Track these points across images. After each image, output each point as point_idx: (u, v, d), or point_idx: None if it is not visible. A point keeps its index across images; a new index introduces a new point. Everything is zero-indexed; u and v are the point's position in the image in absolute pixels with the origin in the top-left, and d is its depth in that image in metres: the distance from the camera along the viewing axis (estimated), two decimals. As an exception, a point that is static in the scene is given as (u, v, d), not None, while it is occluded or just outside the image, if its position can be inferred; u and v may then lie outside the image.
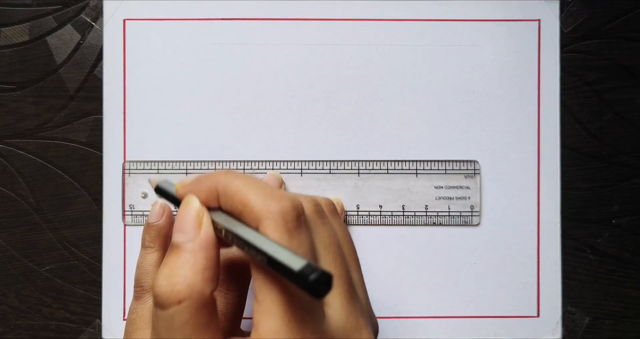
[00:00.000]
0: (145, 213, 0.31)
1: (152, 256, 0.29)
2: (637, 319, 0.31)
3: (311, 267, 0.16)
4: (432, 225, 0.31)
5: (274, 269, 0.17)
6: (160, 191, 0.23)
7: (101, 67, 0.31)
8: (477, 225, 0.31)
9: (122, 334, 0.31)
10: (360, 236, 0.31)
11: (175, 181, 0.22)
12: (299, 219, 0.18)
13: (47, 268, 0.31)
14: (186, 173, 0.31)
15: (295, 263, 0.16)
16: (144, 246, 0.29)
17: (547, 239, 0.31)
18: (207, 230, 0.19)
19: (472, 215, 0.31)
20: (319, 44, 0.31)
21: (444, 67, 0.31)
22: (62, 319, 0.31)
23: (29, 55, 0.31)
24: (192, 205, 0.20)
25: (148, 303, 0.28)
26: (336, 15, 0.31)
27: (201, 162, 0.31)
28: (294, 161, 0.31)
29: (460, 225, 0.31)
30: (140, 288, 0.28)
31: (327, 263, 0.19)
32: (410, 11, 0.31)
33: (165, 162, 0.31)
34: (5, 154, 0.31)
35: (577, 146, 0.31)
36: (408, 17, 0.31)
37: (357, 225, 0.31)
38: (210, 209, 0.20)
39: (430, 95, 0.31)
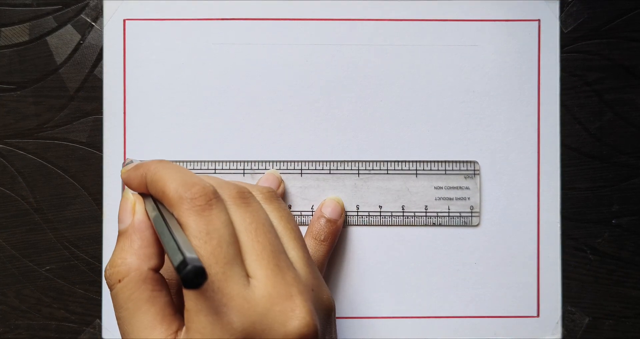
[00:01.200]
0: None
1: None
2: (637, 320, 0.31)
3: (185, 263, 0.17)
4: (432, 225, 0.31)
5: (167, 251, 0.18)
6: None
7: (101, 67, 0.31)
8: (477, 225, 0.31)
9: (122, 334, 0.31)
10: (360, 236, 0.31)
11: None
12: (209, 202, 0.20)
13: (47, 268, 0.31)
14: (186, 173, 0.31)
15: (176, 257, 0.17)
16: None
17: (547, 239, 0.31)
18: (139, 215, 0.21)
19: (471, 216, 0.31)
20: (319, 43, 0.31)
21: (444, 67, 0.31)
22: (62, 319, 0.31)
23: (29, 55, 0.31)
24: (127, 197, 0.22)
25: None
26: (336, 15, 0.31)
27: (201, 161, 0.31)
28: (294, 161, 0.31)
29: (460, 226, 0.31)
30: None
31: (246, 238, 0.20)
32: (410, 11, 0.31)
33: None
34: (5, 154, 0.31)
35: (577, 146, 0.31)
36: (408, 17, 0.31)
37: (357, 225, 0.31)
38: (145, 195, 0.22)
39: (430, 95, 0.31)
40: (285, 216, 0.23)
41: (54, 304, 0.31)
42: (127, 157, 0.31)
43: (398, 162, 0.31)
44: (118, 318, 0.20)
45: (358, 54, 0.31)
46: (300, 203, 0.31)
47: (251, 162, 0.31)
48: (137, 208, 0.22)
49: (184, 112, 0.31)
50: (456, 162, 0.31)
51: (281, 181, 0.30)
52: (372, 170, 0.31)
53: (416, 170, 0.31)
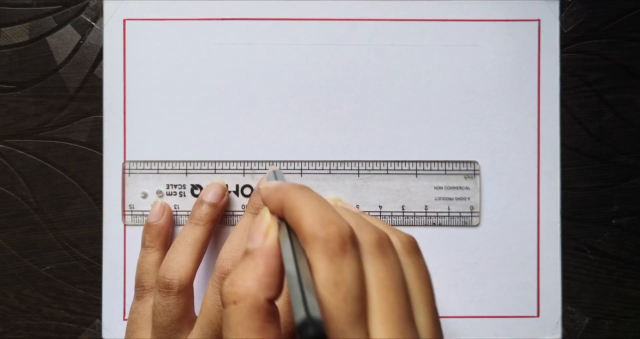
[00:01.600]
0: (145, 213, 0.31)
1: (153, 255, 0.29)
2: (637, 319, 0.31)
3: (307, 324, 0.16)
4: (432, 225, 0.31)
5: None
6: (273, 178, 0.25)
7: (101, 67, 0.31)
8: (477, 225, 0.31)
9: (122, 334, 0.31)
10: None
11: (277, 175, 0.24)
12: (343, 247, 0.18)
13: (47, 268, 0.31)
14: (186, 174, 0.31)
15: (299, 312, 0.16)
16: (144, 246, 0.29)
17: (547, 239, 0.31)
18: (271, 240, 0.20)
19: (471, 216, 0.31)
20: (319, 43, 0.31)
21: (444, 67, 0.31)
22: (62, 319, 0.31)
23: (29, 55, 0.31)
24: (264, 216, 0.21)
25: (149, 302, 0.28)
26: (336, 15, 0.31)
27: (201, 162, 0.31)
28: (294, 161, 0.31)
29: (460, 226, 0.31)
30: (141, 288, 0.28)
31: (376, 296, 0.19)
32: (410, 11, 0.31)
33: (165, 161, 0.31)
34: (5, 154, 0.31)
35: (577, 146, 0.31)
36: (408, 17, 0.31)
37: None
38: (281, 220, 0.21)
39: (430, 95, 0.31)
40: (423, 275, 0.21)
41: (54, 305, 0.31)
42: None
43: (398, 161, 0.31)
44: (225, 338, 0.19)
45: (358, 54, 0.31)
46: None
47: (251, 161, 0.31)
48: (271, 233, 0.20)
49: (184, 112, 0.31)
50: (456, 162, 0.31)
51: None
52: (372, 170, 0.31)
53: (416, 170, 0.31)
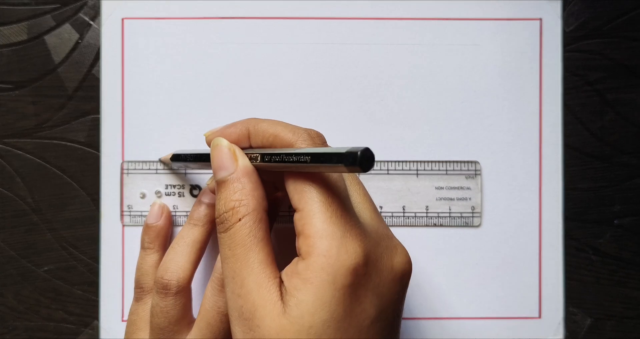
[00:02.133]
0: (144, 213, 0.30)
1: (152, 257, 0.29)
2: (639, 320, 0.31)
3: (353, 149, 0.17)
4: (433, 225, 0.31)
5: (319, 162, 0.19)
6: (178, 157, 0.27)
7: (99, 67, 0.31)
8: (478, 225, 0.31)
9: (121, 335, 0.31)
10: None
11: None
12: (321, 137, 0.23)
13: (46, 268, 0.31)
14: (185, 174, 0.31)
15: (339, 150, 0.18)
16: (143, 247, 0.29)
17: (548, 240, 0.31)
18: (243, 160, 0.22)
19: (473, 216, 0.31)
20: (319, 43, 0.31)
21: (445, 67, 0.31)
22: (60, 320, 0.31)
23: (27, 54, 0.31)
24: (222, 144, 0.23)
25: (148, 304, 0.28)
26: (336, 15, 0.31)
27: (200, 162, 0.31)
28: None
29: (461, 226, 0.31)
30: (140, 289, 0.28)
31: (350, 186, 0.23)
32: (411, 10, 0.31)
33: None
34: (3, 154, 0.31)
35: (578, 146, 0.31)
36: (409, 16, 0.31)
37: None
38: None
39: (431, 95, 0.31)
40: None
41: (53, 305, 0.31)
42: (129, 161, 0.31)
43: (399, 162, 0.31)
44: (229, 257, 0.21)
45: (358, 54, 0.31)
46: None
47: None
48: (239, 154, 0.23)
49: (183, 112, 0.31)
50: (457, 162, 0.31)
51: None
52: (373, 170, 0.31)
53: (417, 170, 0.31)
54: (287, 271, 0.21)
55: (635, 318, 0.31)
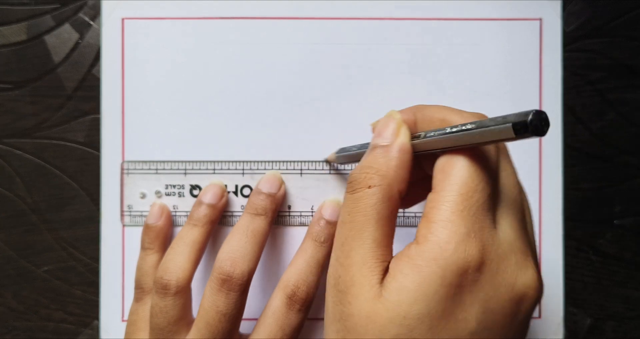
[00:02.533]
0: (144, 213, 0.30)
1: (152, 257, 0.29)
2: (639, 321, 0.31)
3: (523, 114, 0.16)
4: None
5: (484, 127, 0.17)
6: (343, 150, 0.27)
7: (99, 67, 0.31)
8: None
9: (121, 335, 0.31)
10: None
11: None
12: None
13: (45, 268, 0.31)
14: (185, 174, 0.31)
15: (508, 118, 0.16)
16: (143, 247, 0.29)
17: (548, 239, 0.31)
18: (404, 138, 0.21)
19: None
20: (319, 43, 0.31)
21: (445, 67, 0.31)
22: (60, 321, 0.31)
23: (26, 54, 0.31)
24: (394, 117, 0.22)
25: (148, 304, 0.28)
26: (336, 15, 0.31)
27: (200, 162, 0.31)
28: (294, 161, 0.31)
29: None
30: (140, 290, 0.28)
31: (505, 191, 0.21)
32: (411, 10, 0.31)
33: (164, 162, 0.31)
34: (2, 154, 0.31)
35: (579, 146, 0.31)
36: (409, 16, 0.31)
37: None
38: None
39: (431, 95, 0.31)
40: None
41: (52, 306, 0.31)
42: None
43: None
44: (346, 223, 0.20)
45: (358, 54, 0.31)
46: (300, 203, 0.30)
47: (250, 161, 0.30)
48: (403, 131, 0.21)
49: (183, 112, 0.31)
50: None
51: (282, 182, 0.30)
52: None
53: None
54: (397, 254, 0.20)
55: (636, 318, 0.31)
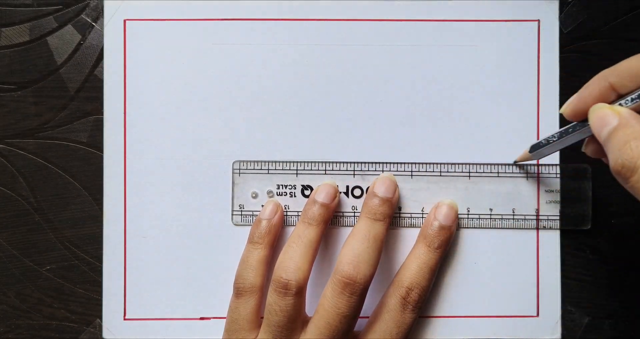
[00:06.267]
0: (255, 213, 0.30)
1: (259, 252, 0.28)
2: (637, 319, 0.31)
3: None
4: (543, 228, 0.31)
5: None
6: (538, 145, 0.28)
7: (102, 67, 0.31)
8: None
9: (122, 334, 0.31)
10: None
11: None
12: None
13: (48, 267, 0.31)
14: (296, 174, 0.31)
15: None
16: (252, 241, 0.29)
17: (546, 239, 0.31)
18: (624, 109, 0.22)
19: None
20: (319, 44, 0.31)
21: (443, 68, 0.31)
22: (62, 319, 0.31)
23: (29, 55, 0.31)
24: (601, 106, 0.23)
25: (249, 302, 0.28)
26: (336, 16, 0.31)
27: (312, 162, 0.31)
28: (405, 163, 0.31)
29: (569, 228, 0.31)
30: (242, 284, 0.28)
31: None
32: (410, 11, 0.31)
33: (276, 162, 0.31)
34: (5, 154, 0.31)
35: (576, 146, 0.31)
36: (408, 18, 0.31)
37: (469, 227, 0.31)
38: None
39: (429, 96, 0.31)
40: None
41: (55, 304, 0.31)
42: (241, 161, 0.31)
43: (508, 164, 0.31)
44: None
45: (357, 55, 0.31)
46: (410, 205, 0.31)
47: (362, 162, 0.31)
48: (619, 108, 0.22)
49: (184, 112, 0.31)
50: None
51: (396, 185, 0.30)
52: (483, 172, 0.31)
53: (527, 173, 0.31)
54: None
55: (633, 317, 0.31)
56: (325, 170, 0.31)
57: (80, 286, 0.31)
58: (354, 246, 0.27)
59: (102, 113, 0.31)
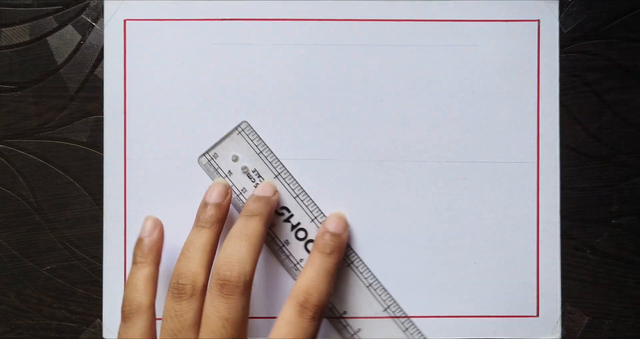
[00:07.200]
0: (220, 172, 0.31)
1: (144, 271, 0.28)
2: (637, 319, 0.31)
3: None
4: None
5: None
6: None
7: (102, 67, 0.31)
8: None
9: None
10: (361, 237, 0.31)
11: None
12: None
13: (48, 267, 0.31)
14: (276, 176, 0.31)
15: None
16: (135, 262, 0.28)
17: (546, 239, 0.31)
18: None
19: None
20: (318, 44, 0.31)
21: (443, 68, 0.31)
22: (62, 319, 0.31)
23: (29, 55, 0.31)
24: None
25: (138, 325, 0.26)
26: (336, 16, 0.31)
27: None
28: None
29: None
30: (129, 308, 0.27)
31: None
32: (410, 11, 0.31)
33: (273, 153, 0.31)
34: (5, 154, 0.31)
35: (576, 146, 0.31)
36: (408, 17, 0.31)
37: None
38: None
39: (429, 96, 0.31)
40: None
41: (55, 304, 0.31)
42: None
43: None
44: None
45: (357, 55, 0.31)
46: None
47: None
48: None
49: (185, 112, 0.31)
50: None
51: (276, 189, 0.30)
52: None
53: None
54: None
55: (633, 316, 0.31)
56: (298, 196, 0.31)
57: (80, 286, 0.31)
58: (226, 247, 0.26)
59: (102, 113, 0.31)
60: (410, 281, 0.31)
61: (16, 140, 0.31)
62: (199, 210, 0.29)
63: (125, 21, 0.31)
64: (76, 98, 0.31)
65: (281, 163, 0.31)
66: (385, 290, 0.31)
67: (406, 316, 0.31)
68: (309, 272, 0.27)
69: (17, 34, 0.31)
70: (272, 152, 0.31)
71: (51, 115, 0.31)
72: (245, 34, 0.31)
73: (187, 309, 0.26)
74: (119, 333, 0.27)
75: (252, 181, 0.31)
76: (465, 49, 0.31)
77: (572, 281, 0.31)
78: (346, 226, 0.30)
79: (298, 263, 0.31)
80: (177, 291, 0.26)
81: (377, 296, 0.31)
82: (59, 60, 0.31)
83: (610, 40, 0.31)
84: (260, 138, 0.31)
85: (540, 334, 0.31)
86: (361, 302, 0.31)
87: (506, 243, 0.31)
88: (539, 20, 0.31)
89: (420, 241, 0.31)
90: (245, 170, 0.31)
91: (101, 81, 0.31)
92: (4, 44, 0.31)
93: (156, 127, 0.31)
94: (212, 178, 0.31)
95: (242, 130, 0.31)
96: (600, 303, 0.31)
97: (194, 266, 0.26)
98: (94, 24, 0.31)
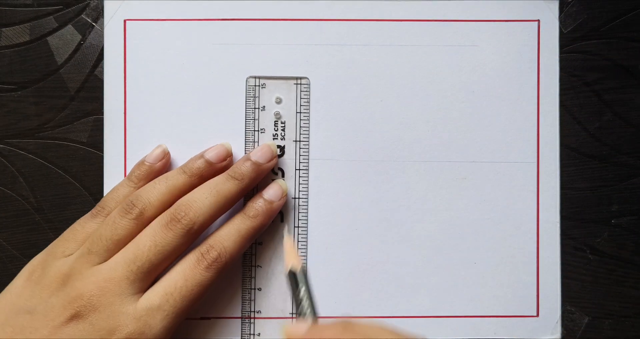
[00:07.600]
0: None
1: (130, 190, 0.29)
2: (637, 319, 0.31)
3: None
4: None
5: None
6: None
7: (102, 67, 0.31)
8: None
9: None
10: (360, 235, 0.31)
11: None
12: None
13: (48, 267, 0.31)
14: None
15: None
16: (128, 178, 0.29)
17: (546, 239, 0.31)
18: None
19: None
20: (318, 44, 0.31)
21: (444, 68, 0.31)
22: (62, 319, 0.31)
23: (29, 55, 0.31)
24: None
25: (97, 223, 0.28)
26: (336, 16, 0.31)
27: None
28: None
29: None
30: (101, 209, 0.28)
31: None
32: (410, 11, 0.31)
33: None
34: (5, 154, 0.31)
35: (576, 146, 0.31)
36: (408, 18, 0.31)
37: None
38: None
39: (429, 96, 0.31)
40: None
41: (55, 304, 0.31)
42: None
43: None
44: None
45: (357, 55, 0.31)
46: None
47: None
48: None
49: (185, 112, 0.31)
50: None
51: (275, 156, 0.30)
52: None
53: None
54: None
55: (633, 316, 0.31)
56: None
57: (81, 286, 0.31)
58: (195, 193, 0.27)
59: (102, 113, 0.31)
60: (410, 281, 0.31)
61: (16, 140, 0.31)
62: (191, 158, 0.29)
63: (125, 21, 0.31)
64: (76, 98, 0.31)
65: (308, 131, 0.31)
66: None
67: (406, 317, 0.31)
68: (223, 229, 0.28)
69: (17, 34, 0.31)
70: (308, 120, 0.31)
71: (51, 115, 0.31)
72: (245, 34, 0.31)
73: (124, 227, 0.26)
74: (78, 221, 0.28)
75: (274, 130, 0.31)
76: (465, 49, 0.31)
77: (572, 281, 0.31)
78: (282, 195, 0.29)
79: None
80: (127, 207, 0.27)
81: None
82: (59, 60, 0.31)
83: (610, 40, 0.31)
84: (309, 102, 0.31)
85: (540, 334, 0.31)
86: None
87: (506, 243, 0.31)
88: (539, 20, 0.31)
89: (420, 241, 0.31)
90: (277, 116, 0.31)
91: (101, 81, 0.31)
92: (4, 44, 0.31)
93: (156, 126, 0.31)
94: (246, 96, 0.30)
95: (301, 83, 0.31)
96: (600, 303, 0.31)
97: (154, 198, 0.27)
98: (94, 24, 0.31)
